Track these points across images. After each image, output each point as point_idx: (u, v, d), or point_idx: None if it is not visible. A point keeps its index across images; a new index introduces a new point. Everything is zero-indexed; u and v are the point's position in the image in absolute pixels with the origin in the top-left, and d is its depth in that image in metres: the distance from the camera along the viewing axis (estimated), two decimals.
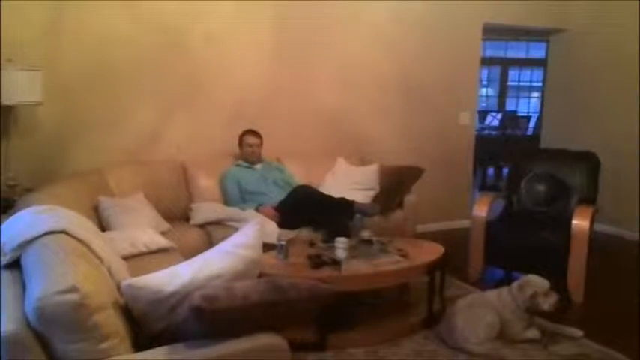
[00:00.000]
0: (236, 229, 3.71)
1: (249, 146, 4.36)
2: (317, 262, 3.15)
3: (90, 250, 2.13)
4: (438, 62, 5.49)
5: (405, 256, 3.28)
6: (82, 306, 1.52)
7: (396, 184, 4.50)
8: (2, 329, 1.49)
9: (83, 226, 2.33)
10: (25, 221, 2.17)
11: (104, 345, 1.57)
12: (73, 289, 1.51)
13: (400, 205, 4.53)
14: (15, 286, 1.82)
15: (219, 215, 3.94)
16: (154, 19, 4.23)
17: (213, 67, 4.51)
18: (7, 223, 2.23)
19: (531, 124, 10.39)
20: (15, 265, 1.99)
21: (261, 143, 4.41)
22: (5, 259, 1.98)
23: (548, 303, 3.03)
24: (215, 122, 4.58)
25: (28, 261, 1.89)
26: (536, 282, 3.08)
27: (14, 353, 1.47)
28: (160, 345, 1.67)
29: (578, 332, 3.16)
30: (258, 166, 4.41)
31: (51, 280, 1.57)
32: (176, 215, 4.00)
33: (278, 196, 4.18)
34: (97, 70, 4.10)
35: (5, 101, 3.45)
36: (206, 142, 4.54)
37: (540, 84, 10.40)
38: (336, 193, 4.40)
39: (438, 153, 5.60)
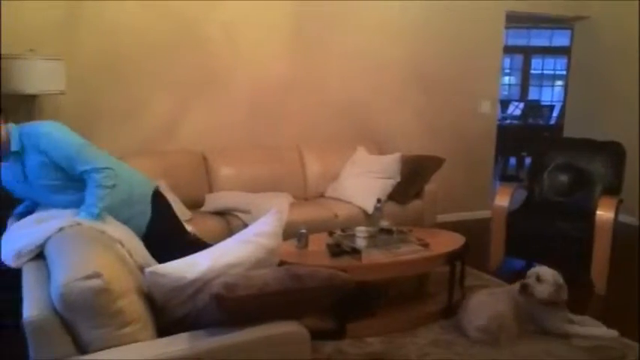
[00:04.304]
0: (242, 221, 3.76)
1: None
2: (336, 251, 3.15)
3: (107, 236, 2.17)
4: (459, 51, 5.43)
5: (425, 245, 3.27)
6: (105, 291, 1.54)
7: (416, 174, 4.48)
8: (28, 314, 1.53)
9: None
10: (34, 226, 2.21)
11: (127, 330, 1.60)
12: (96, 275, 1.54)
13: (419, 194, 4.51)
14: (40, 273, 1.87)
15: (227, 204, 3.96)
16: (170, 9, 4.24)
17: (230, 57, 4.51)
18: (15, 229, 2.27)
19: (554, 113, 10.23)
20: (38, 254, 2.05)
21: None
22: (22, 262, 2.04)
23: (541, 291, 2.97)
24: (234, 112, 4.58)
25: (51, 250, 1.94)
26: (533, 271, 3.04)
27: (40, 338, 1.51)
28: (180, 331, 1.69)
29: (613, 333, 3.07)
30: (7, 162, 2.54)
31: (74, 266, 1.60)
32: (197, 204, 4.02)
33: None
34: (115, 60, 4.13)
35: (29, 90, 3.50)
36: (225, 131, 4.56)
37: (564, 72, 10.23)
38: (356, 182, 4.41)
39: (459, 142, 5.55)
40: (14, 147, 2.45)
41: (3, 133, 2.44)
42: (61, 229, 2.08)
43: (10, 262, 2.06)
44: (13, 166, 2.50)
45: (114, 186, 2.50)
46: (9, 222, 2.62)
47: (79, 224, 2.17)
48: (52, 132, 2.48)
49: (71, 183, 2.50)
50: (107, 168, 2.50)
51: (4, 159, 2.50)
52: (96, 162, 2.48)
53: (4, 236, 2.25)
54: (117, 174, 2.54)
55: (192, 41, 4.35)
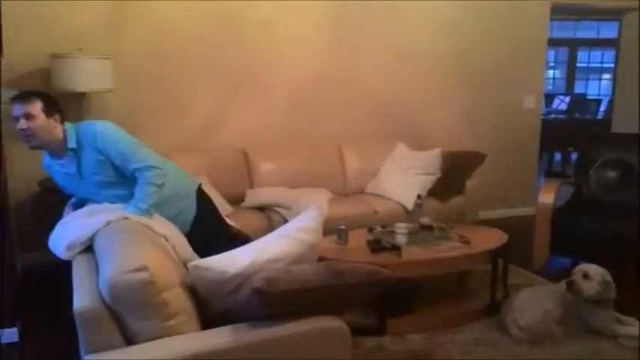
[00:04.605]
0: (282, 216, 3.80)
1: (15, 121, 2.51)
2: (376, 247, 3.15)
3: (153, 231, 2.23)
4: (502, 44, 5.33)
5: (466, 242, 3.22)
6: (151, 284, 1.58)
7: (457, 170, 4.43)
8: (79, 305, 1.58)
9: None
10: (84, 219, 2.29)
11: (172, 322, 1.64)
12: (143, 268, 1.58)
13: (461, 190, 4.45)
14: (89, 265, 1.93)
15: (267, 200, 4.00)
16: (213, 8, 4.30)
17: (271, 55, 4.54)
18: (66, 221, 2.36)
19: (602, 107, 9.93)
20: (87, 247, 2.12)
21: (44, 111, 2.50)
22: (73, 254, 2.12)
23: (588, 288, 2.89)
24: (274, 109, 4.62)
25: (99, 243, 2.01)
26: (580, 268, 2.96)
27: (90, 328, 1.56)
28: (223, 324, 1.72)
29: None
30: (62, 159, 2.63)
31: (122, 259, 1.65)
32: (238, 199, 4.08)
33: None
34: (159, 58, 4.22)
35: (78, 88, 3.61)
36: (265, 128, 4.60)
37: (612, 65, 9.91)
38: (395, 178, 4.39)
39: (502, 138, 5.45)
40: (71, 144, 2.56)
41: (60, 131, 2.56)
42: (109, 223, 2.15)
43: (62, 254, 2.14)
44: (69, 163, 2.61)
45: (162, 185, 2.59)
46: (65, 210, 2.75)
47: (126, 219, 2.23)
48: (106, 131, 2.58)
49: (123, 179, 2.59)
50: (157, 167, 2.59)
51: (59, 157, 2.62)
52: (148, 160, 2.58)
53: (56, 228, 2.34)
54: (165, 173, 2.63)
55: (234, 39, 4.41)
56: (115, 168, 2.57)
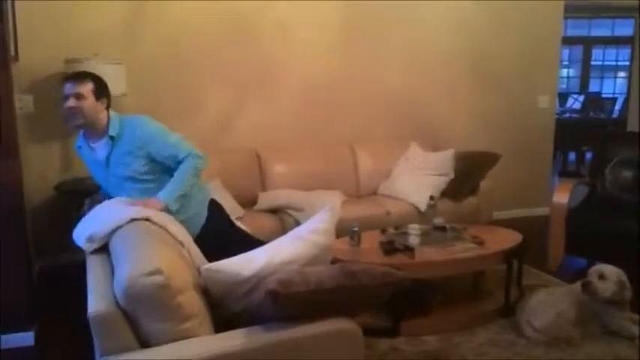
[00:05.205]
0: (295, 218, 3.80)
1: (64, 99, 2.58)
2: (389, 248, 3.14)
3: (171, 235, 2.24)
4: (515, 43, 5.29)
5: (480, 243, 3.21)
6: (166, 287, 1.59)
7: (470, 170, 4.40)
8: (93, 308, 1.60)
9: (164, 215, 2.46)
10: (110, 210, 2.31)
11: (187, 325, 1.64)
12: (158, 272, 1.59)
13: (475, 191, 4.43)
14: (104, 268, 1.95)
15: (280, 202, 4.00)
16: (227, 9, 4.32)
17: (284, 55, 4.55)
18: (93, 213, 2.39)
19: (617, 106, 9.82)
20: (102, 249, 2.13)
21: (94, 93, 2.59)
22: (93, 247, 2.14)
23: (604, 289, 2.85)
24: (286, 109, 4.63)
25: (115, 245, 2.02)
26: (595, 269, 2.92)
27: (104, 331, 1.57)
28: (236, 327, 1.73)
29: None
30: (96, 142, 2.69)
31: (137, 262, 1.66)
32: (250, 201, 4.08)
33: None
34: (173, 60, 4.24)
35: None
36: (278, 128, 4.61)
37: (627, 63, 9.80)
38: (408, 179, 4.38)
39: (516, 137, 5.41)
40: (112, 132, 2.63)
41: (105, 115, 2.64)
42: (132, 220, 2.16)
43: (82, 245, 2.16)
44: (101, 148, 2.67)
45: (200, 174, 2.70)
46: (100, 196, 2.82)
47: (147, 219, 2.23)
48: (150, 124, 2.70)
49: (151, 175, 2.67)
50: (203, 157, 2.73)
51: (94, 139, 2.67)
52: (196, 150, 2.71)
53: (83, 220, 2.37)
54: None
55: (247, 40, 4.43)
56: (149, 162, 2.64)
